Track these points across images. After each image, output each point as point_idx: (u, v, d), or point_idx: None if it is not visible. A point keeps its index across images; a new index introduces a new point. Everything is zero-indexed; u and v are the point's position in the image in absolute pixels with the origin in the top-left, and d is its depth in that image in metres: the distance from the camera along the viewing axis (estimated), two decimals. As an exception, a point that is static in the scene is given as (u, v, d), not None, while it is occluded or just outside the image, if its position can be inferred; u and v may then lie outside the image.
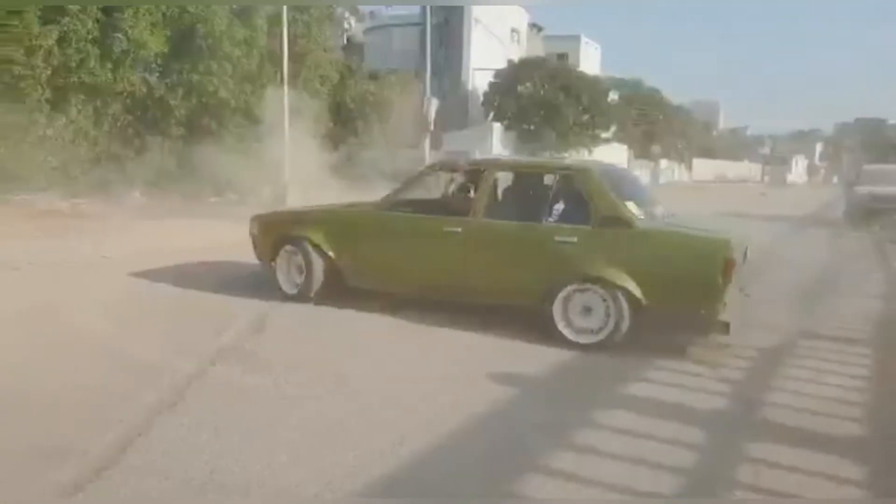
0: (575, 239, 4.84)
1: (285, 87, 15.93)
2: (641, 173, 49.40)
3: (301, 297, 5.77)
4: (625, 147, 45.31)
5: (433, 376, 4.09)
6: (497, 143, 33.15)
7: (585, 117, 34.54)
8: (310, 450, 2.98)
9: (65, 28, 12.59)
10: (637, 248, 4.74)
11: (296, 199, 14.67)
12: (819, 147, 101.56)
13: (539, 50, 39.27)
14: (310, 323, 5.25)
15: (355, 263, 5.66)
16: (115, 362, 4.10)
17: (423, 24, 24.87)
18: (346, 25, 22.00)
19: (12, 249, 7.96)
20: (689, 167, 61.13)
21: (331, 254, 5.69)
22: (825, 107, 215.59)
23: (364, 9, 22.42)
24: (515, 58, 34.51)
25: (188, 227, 10.98)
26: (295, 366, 4.16)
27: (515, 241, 5.09)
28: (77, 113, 13.52)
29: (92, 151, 13.93)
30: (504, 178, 5.79)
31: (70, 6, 12.52)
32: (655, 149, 51.22)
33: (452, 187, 6.06)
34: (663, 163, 54.92)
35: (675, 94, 58.19)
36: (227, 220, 11.95)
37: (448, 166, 6.09)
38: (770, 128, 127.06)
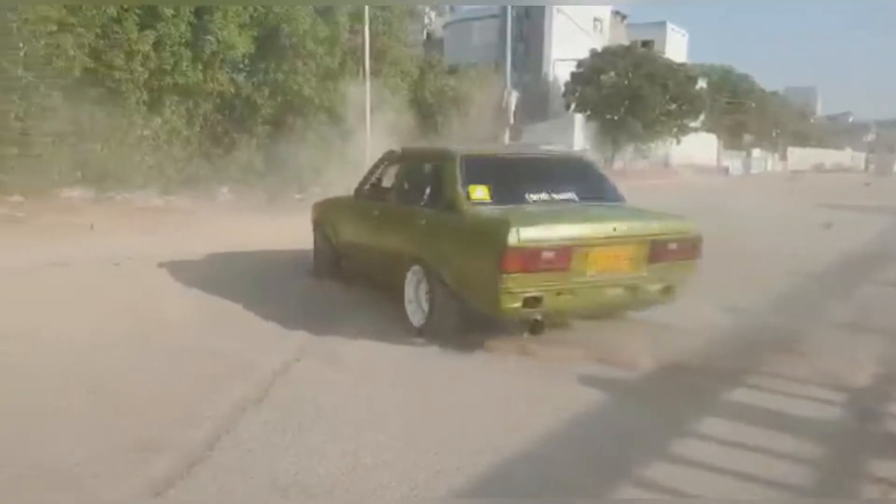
0: (423, 222, 4.89)
1: (367, 84, 16.13)
2: (732, 163, 47.63)
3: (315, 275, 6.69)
4: (713, 136, 43.62)
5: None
6: (579, 134, 32.58)
7: (672, 106, 33.40)
8: (394, 452, 2.94)
9: (160, 32, 13.15)
10: (452, 233, 4.63)
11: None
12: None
13: (623, 38, 38.26)
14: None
15: (342, 245, 6.36)
16: (203, 356, 4.21)
17: (502, 16, 24.72)
18: (426, 21, 21.97)
19: (112, 245, 8.39)
20: (784, 156, 58.23)
21: (332, 240, 6.49)
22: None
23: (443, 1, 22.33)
24: (598, 47, 33.72)
25: (271, 223, 11.28)
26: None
27: (394, 223, 5.40)
28: (171, 113, 14.13)
29: (184, 150, 14.52)
30: (412, 167, 5.68)
31: (165, 9, 13.05)
32: (747, 138, 49.06)
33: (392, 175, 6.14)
34: (755, 152, 52.55)
35: (768, 81, 55.38)
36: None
37: (388, 157, 6.07)
38: (876, 114, 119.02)
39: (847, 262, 8.65)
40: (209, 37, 13.89)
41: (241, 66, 15.25)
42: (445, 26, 34.26)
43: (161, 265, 7.20)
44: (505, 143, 18.35)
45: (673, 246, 4.43)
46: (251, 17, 14.93)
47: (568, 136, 31.35)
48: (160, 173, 14.17)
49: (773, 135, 55.18)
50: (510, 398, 3.64)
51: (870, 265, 8.50)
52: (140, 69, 12.98)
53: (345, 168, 15.65)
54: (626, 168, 32.25)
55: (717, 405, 3.62)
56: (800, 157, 59.35)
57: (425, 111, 19.86)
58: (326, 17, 16.05)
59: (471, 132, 21.84)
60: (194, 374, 3.90)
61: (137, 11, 12.85)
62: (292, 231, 9.28)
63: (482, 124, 22.36)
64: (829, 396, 3.71)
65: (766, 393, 3.74)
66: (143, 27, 12.96)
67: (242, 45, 14.42)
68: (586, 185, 5.13)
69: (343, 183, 15.35)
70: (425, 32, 33.73)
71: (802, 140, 61.62)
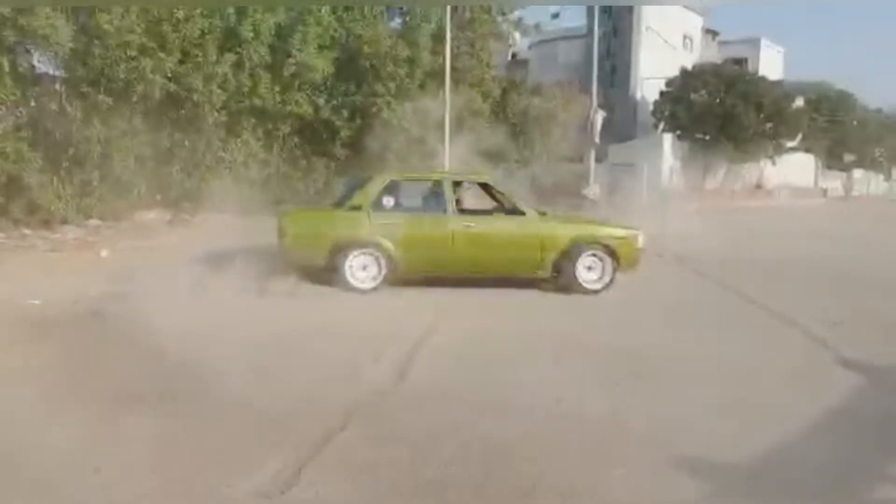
0: None
1: (447, 106, 15.15)
2: (831, 185, 43.82)
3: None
4: (811, 157, 40.28)
5: None
6: (668, 153, 30.57)
7: (767, 125, 30.85)
8: None
9: (239, 54, 12.63)
10: None
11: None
12: None
13: (715, 56, 35.89)
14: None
15: None
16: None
17: (589, 35, 23.32)
18: (510, 42, 20.84)
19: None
20: (889, 177, 53.38)
21: None
22: None
23: (529, 22, 21.11)
24: (688, 65, 31.63)
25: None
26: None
27: None
28: (248, 136, 13.59)
29: (262, 173, 13.95)
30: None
31: (245, 31, 12.51)
32: (847, 157, 45.10)
33: None
34: (857, 173, 48.33)
35: (869, 98, 50.97)
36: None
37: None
38: None
39: None
40: (289, 59, 13.29)
41: (321, 88, 14.57)
42: (531, 47, 33.04)
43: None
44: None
45: None
46: (331, 38, 14.28)
47: (656, 156, 29.44)
48: (238, 196, 13.64)
49: (876, 154, 50.61)
50: None
51: None
52: (218, 91, 12.46)
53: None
54: (720, 189, 30.01)
55: None
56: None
57: (507, 131, 18.69)
58: (407, 38, 15.22)
59: (554, 151, 20.54)
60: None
61: (218, 34, 12.37)
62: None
63: (566, 144, 21.01)
64: None
65: None
66: (222, 50, 12.47)
67: (322, 66, 13.75)
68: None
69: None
70: (510, 53, 32.65)
71: (909, 160, 56.32)
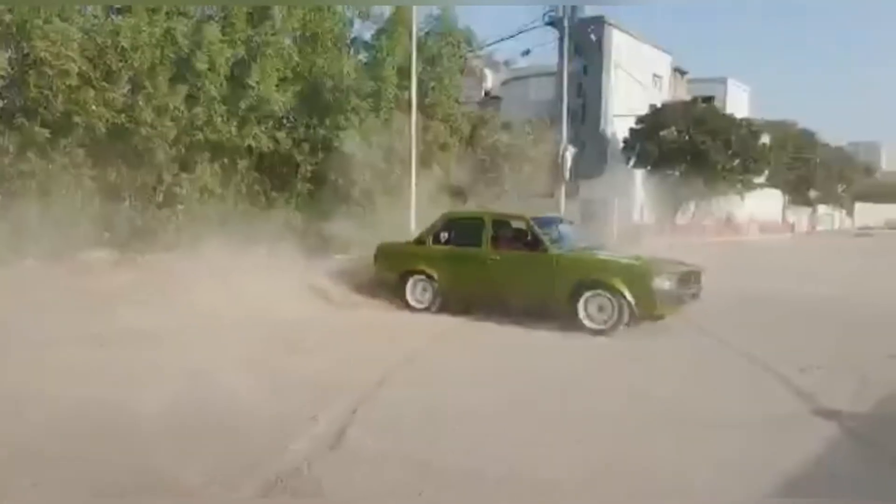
0: None
1: (413, 140, 14.47)
2: (798, 220, 43.94)
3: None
4: (778, 192, 40.38)
5: None
6: (639, 189, 30.24)
7: (735, 162, 30.69)
8: None
9: (193, 86, 11.84)
10: None
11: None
12: None
13: (684, 94, 35.95)
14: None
15: None
16: None
17: (559, 73, 22.97)
18: (480, 77, 20.35)
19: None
20: (850, 212, 53.89)
21: None
22: None
23: (498, 58, 20.75)
24: (658, 102, 31.52)
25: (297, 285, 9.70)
26: None
27: None
28: (204, 171, 12.71)
29: (218, 209, 13.04)
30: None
31: (199, 63, 11.73)
32: (813, 193, 45.41)
33: None
34: (821, 208, 48.66)
35: (831, 136, 51.60)
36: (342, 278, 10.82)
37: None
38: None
39: None
40: (246, 91, 12.53)
41: (282, 121, 13.81)
42: (503, 84, 32.74)
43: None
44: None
45: None
46: (293, 70, 13.57)
47: (627, 192, 29.06)
48: (191, 233, 12.71)
49: (839, 190, 51.11)
50: None
51: None
52: (170, 124, 11.62)
53: (387, 226, 13.96)
54: (691, 224, 29.70)
55: None
56: (868, 213, 54.90)
57: (477, 167, 18.06)
58: (372, 72, 14.58)
59: (525, 188, 19.95)
60: None
61: (169, 65, 11.59)
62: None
63: (537, 180, 20.45)
64: None
65: None
66: (175, 81, 11.67)
67: (282, 99, 13.00)
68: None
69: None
70: (483, 90, 32.31)
71: (869, 195, 57.04)
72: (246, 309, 7.99)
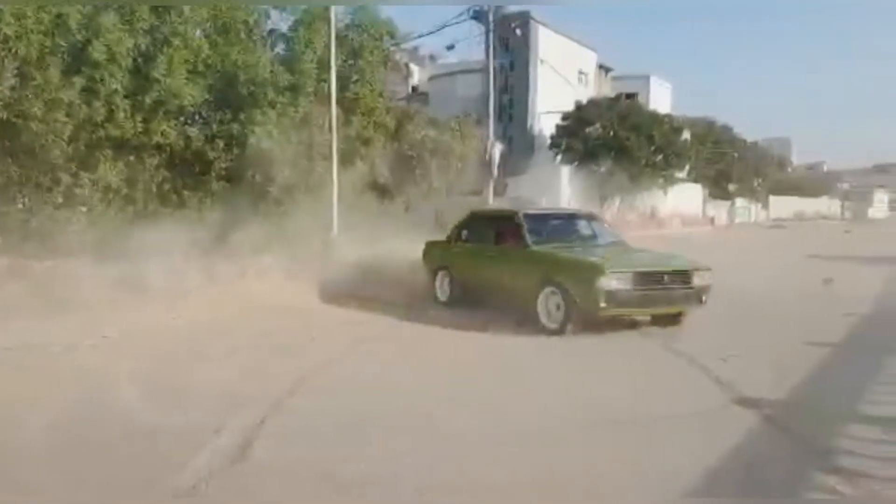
0: None
1: (334, 136, 13.98)
2: (717, 213, 45.62)
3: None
4: (699, 187, 41.78)
5: None
6: (566, 185, 30.55)
7: (658, 157, 31.52)
8: None
9: (90, 79, 10.97)
10: None
11: (346, 253, 12.63)
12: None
13: (608, 91, 36.66)
14: None
15: None
16: None
17: (485, 69, 22.87)
18: (404, 72, 19.95)
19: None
20: (766, 205, 56.47)
21: None
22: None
23: (424, 52, 20.38)
24: (583, 99, 32.00)
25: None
26: None
27: None
28: (107, 170, 11.82)
29: (124, 211, 12.20)
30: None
31: (97, 53, 10.88)
32: (731, 187, 47.28)
33: None
34: (739, 201, 50.73)
35: (747, 132, 53.92)
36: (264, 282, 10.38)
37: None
38: (847, 162, 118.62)
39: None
40: (152, 84, 11.72)
41: (193, 116, 13.05)
42: (431, 80, 32.49)
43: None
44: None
45: None
46: (204, 63, 12.82)
47: (555, 188, 29.29)
48: (95, 237, 11.81)
49: (755, 184, 53.50)
50: None
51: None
52: (65, 120, 10.72)
53: (310, 225, 13.44)
54: (616, 219, 30.19)
55: None
56: (781, 205, 57.67)
57: (403, 164, 17.70)
58: (290, 65, 13.98)
59: (452, 185, 19.74)
60: None
61: (62, 55, 10.70)
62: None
63: (465, 177, 20.27)
64: None
65: None
66: (69, 73, 10.78)
67: (192, 93, 12.25)
68: None
69: (307, 241, 13.33)
70: (411, 86, 31.97)
71: (782, 189, 60.01)
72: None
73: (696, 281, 7.09)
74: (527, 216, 8.19)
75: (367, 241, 12.80)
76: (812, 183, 73.39)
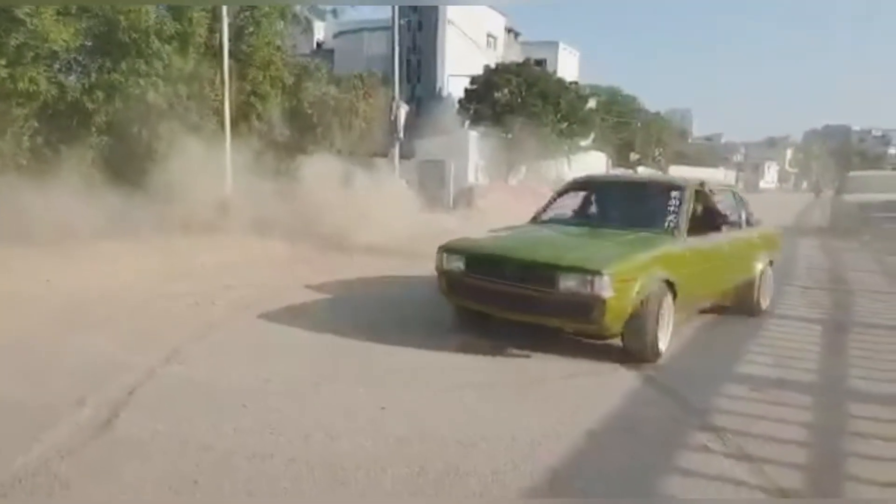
0: None
1: (226, 89, 13.46)
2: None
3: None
4: (603, 155, 43.22)
5: None
6: (473, 150, 30.82)
7: (564, 125, 32.29)
8: None
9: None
10: None
11: (239, 215, 12.33)
12: (789, 153, 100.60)
13: (517, 55, 37.03)
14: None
15: None
16: None
17: (391, 27, 22.53)
18: (304, 25, 19.25)
19: None
20: (667, 174, 59.27)
21: None
22: (796, 114, 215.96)
23: (326, 8, 19.75)
24: (492, 63, 32.19)
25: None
26: None
27: None
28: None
29: (-11, 165, 11.31)
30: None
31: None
32: (633, 156, 49.24)
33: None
34: (641, 170, 52.96)
35: (651, 102, 56.30)
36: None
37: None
38: (743, 135, 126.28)
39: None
40: (17, 25, 10.81)
41: (68, 64, 12.17)
42: (336, 36, 31.70)
43: None
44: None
45: None
46: (79, 5, 11.93)
47: (462, 153, 29.49)
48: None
49: (657, 153, 55.95)
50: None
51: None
52: None
53: (201, 184, 12.92)
54: (522, 185, 30.80)
55: None
56: (682, 175, 60.66)
57: (302, 122, 17.29)
58: (176, 11, 13.24)
59: (357, 145, 19.50)
60: None
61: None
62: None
63: (370, 138, 20.06)
64: None
65: None
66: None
67: (63, 37, 11.37)
68: None
69: (198, 201, 12.82)
70: (315, 42, 31.06)
71: (682, 159, 63.06)
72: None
73: None
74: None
75: (262, 201, 12.52)
76: (710, 154, 77.68)
